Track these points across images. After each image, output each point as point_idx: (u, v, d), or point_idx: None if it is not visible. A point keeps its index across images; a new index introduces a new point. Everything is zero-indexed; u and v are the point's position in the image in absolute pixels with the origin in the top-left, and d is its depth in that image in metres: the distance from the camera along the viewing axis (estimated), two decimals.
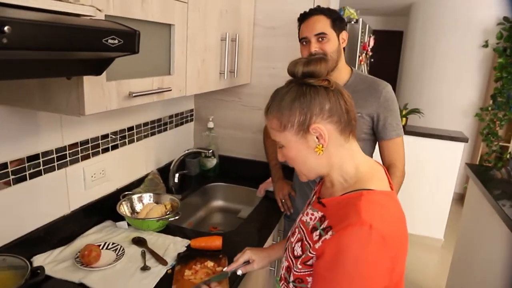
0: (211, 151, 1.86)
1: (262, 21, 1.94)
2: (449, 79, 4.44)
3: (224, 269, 1.20)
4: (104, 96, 1.00)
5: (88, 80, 0.93)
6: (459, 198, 4.33)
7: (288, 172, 1.79)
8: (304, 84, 0.84)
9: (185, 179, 1.98)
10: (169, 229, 1.50)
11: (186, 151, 1.88)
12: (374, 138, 1.59)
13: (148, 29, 1.14)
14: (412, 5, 4.92)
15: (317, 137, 0.83)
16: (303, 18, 1.55)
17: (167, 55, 1.27)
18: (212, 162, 2.11)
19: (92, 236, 1.40)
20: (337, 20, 1.51)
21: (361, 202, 0.78)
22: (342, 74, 1.57)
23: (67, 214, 1.38)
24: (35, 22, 0.58)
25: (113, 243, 1.34)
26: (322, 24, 1.49)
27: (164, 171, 1.87)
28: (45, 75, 0.78)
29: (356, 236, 0.74)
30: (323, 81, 0.84)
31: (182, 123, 2.08)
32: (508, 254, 1.68)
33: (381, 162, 1.64)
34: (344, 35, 1.55)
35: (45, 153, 1.25)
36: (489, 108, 4.09)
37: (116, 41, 0.74)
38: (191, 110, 2.16)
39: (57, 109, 0.98)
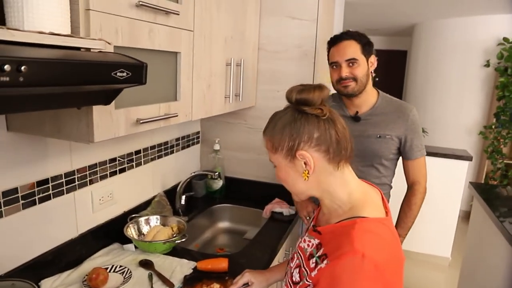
0: (218, 173, 1.88)
1: (266, 46, 1.99)
2: (453, 98, 4.47)
3: None
4: (113, 123, 1.03)
5: (97, 109, 0.97)
6: (466, 216, 4.28)
7: None
8: (298, 111, 0.86)
9: (191, 200, 2.00)
10: (176, 251, 1.52)
11: (193, 173, 1.91)
12: (398, 157, 1.69)
13: (155, 58, 1.19)
14: (415, 25, 5.00)
15: (304, 163, 0.85)
16: (334, 42, 1.60)
17: (174, 81, 1.31)
18: (218, 184, 2.13)
19: (99, 259, 1.42)
20: (367, 45, 1.57)
21: (354, 230, 0.78)
22: (370, 96, 1.64)
23: (75, 237, 1.40)
24: (48, 60, 0.61)
25: (120, 266, 1.35)
26: (353, 49, 1.54)
27: (170, 193, 1.89)
28: (56, 107, 0.82)
29: (349, 265, 0.75)
30: (315, 109, 0.85)
31: (188, 146, 2.11)
32: (508, 268, 1.67)
33: (405, 180, 1.71)
34: (372, 59, 1.61)
35: (55, 178, 1.29)
36: (493, 126, 4.10)
37: (124, 74, 0.78)
38: (198, 133, 2.20)
39: (67, 136, 1.02)
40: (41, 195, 1.24)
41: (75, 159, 1.36)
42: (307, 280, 0.83)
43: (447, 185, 3.25)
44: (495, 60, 4.13)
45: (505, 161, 4.12)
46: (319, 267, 0.80)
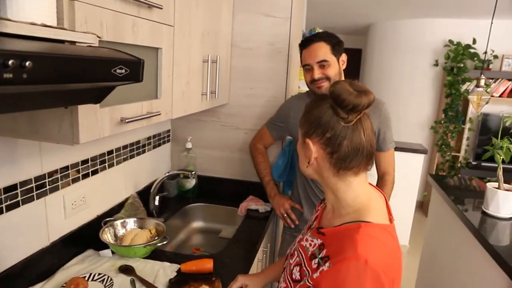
0: (193, 172, 1.84)
1: (240, 42, 1.97)
2: (406, 95, 4.72)
3: None
4: (97, 123, 0.97)
5: (83, 108, 0.90)
6: (419, 206, 4.56)
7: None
8: (331, 106, 0.85)
9: (164, 201, 1.94)
10: (154, 255, 1.46)
11: (167, 173, 1.85)
12: None
13: (137, 53, 1.11)
14: (370, 25, 5.20)
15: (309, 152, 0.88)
16: (305, 45, 1.63)
17: (154, 79, 1.26)
18: (191, 183, 2.08)
19: (74, 267, 1.33)
20: (337, 45, 1.60)
21: (359, 235, 0.79)
22: None
23: (46, 246, 1.29)
24: (53, 55, 0.56)
25: (99, 274, 1.28)
26: (323, 51, 1.57)
27: (143, 194, 1.82)
28: (46, 106, 0.75)
29: (351, 271, 0.75)
30: (344, 113, 0.83)
31: (159, 144, 2.04)
32: (471, 254, 1.80)
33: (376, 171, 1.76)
34: (343, 57, 1.64)
35: (24, 183, 1.18)
36: (442, 122, 4.38)
37: (123, 71, 0.73)
38: (168, 131, 2.13)
39: (47, 137, 0.94)
40: (8, 202, 1.13)
41: (45, 162, 1.26)
42: (308, 282, 0.83)
43: (405, 177, 3.42)
44: (443, 60, 4.42)
45: (452, 154, 4.42)
46: (321, 269, 0.80)
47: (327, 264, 0.79)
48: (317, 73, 1.58)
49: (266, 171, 1.90)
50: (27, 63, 0.51)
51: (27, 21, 0.63)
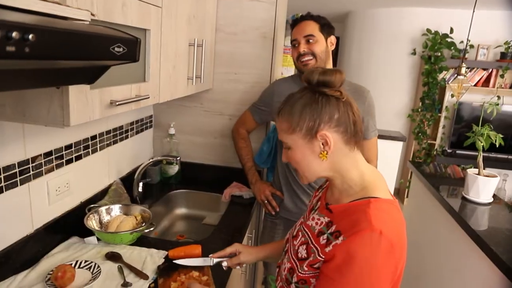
0: (178, 158, 1.81)
1: (224, 27, 1.94)
2: (384, 83, 4.79)
3: (210, 256, 1.20)
4: (88, 105, 0.94)
5: (73, 89, 0.87)
6: (396, 193, 4.68)
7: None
8: (318, 92, 0.87)
9: (146, 187, 1.91)
10: (139, 241, 1.44)
11: (152, 159, 1.82)
12: None
13: None
14: (348, 13, 5.22)
15: (322, 144, 0.87)
16: (294, 23, 1.66)
17: (143, 61, 1.22)
18: (174, 169, 2.06)
19: (59, 255, 1.30)
20: (325, 25, 1.63)
21: (370, 209, 0.81)
22: None
23: (30, 233, 1.25)
24: (57, 29, 0.53)
25: (85, 261, 1.25)
26: (311, 27, 1.61)
27: (126, 181, 1.79)
28: (38, 85, 0.71)
29: (367, 241, 0.77)
30: (335, 92, 0.87)
31: (142, 130, 2.00)
32: (451, 236, 1.88)
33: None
34: (332, 39, 1.67)
35: (7, 168, 1.13)
36: (419, 110, 4.49)
37: (121, 49, 0.71)
38: (150, 116, 2.09)
39: (35, 120, 0.90)
40: None
41: (29, 147, 1.21)
42: (319, 256, 0.85)
43: (384, 164, 3.49)
44: (420, 48, 4.51)
45: (428, 141, 4.56)
46: (334, 243, 0.82)
47: (340, 238, 0.81)
48: (303, 47, 1.61)
49: (248, 157, 1.90)
50: (30, 36, 0.48)
51: None
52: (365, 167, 0.92)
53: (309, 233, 0.94)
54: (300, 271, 0.90)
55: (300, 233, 0.99)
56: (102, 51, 0.65)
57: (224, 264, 1.20)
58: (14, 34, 0.45)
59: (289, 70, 2.41)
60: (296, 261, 0.93)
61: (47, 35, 0.51)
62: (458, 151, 4.49)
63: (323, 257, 0.84)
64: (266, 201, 1.83)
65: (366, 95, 1.69)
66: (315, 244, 0.89)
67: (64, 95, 0.86)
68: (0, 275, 1.13)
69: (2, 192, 1.13)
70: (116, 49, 0.68)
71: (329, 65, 1.68)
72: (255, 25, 1.92)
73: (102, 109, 1.00)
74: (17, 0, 0.57)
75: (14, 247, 1.19)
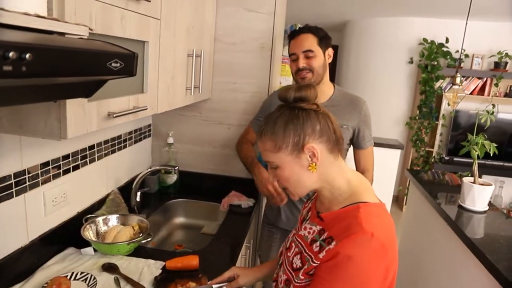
0: (176, 167, 1.81)
1: (223, 37, 1.95)
2: (382, 92, 4.82)
3: (209, 283, 1.19)
4: (85, 117, 0.94)
5: (71, 102, 0.87)
6: (394, 200, 4.69)
7: None
8: (296, 108, 0.90)
9: (145, 197, 1.90)
10: (136, 252, 1.43)
11: (150, 169, 1.81)
12: (349, 147, 1.77)
13: (125, 47, 1.10)
14: (347, 22, 5.26)
15: (310, 156, 0.89)
16: (293, 35, 1.65)
17: (141, 72, 1.23)
18: (173, 178, 2.05)
19: (54, 266, 1.29)
20: (324, 38, 1.63)
21: (360, 213, 0.84)
22: (326, 88, 1.71)
23: (25, 245, 1.24)
24: (53, 47, 0.54)
25: (81, 272, 1.25)
26: (310, 41, 1.60)
27: (124, 190, 1.78)
28: (36, 100, 0.72)
29: (359, 243, 0.79)
30: (312, 105, 0.91)
31: (140, 139, 2.00)
32: (448, 244, 1.87)
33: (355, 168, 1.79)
34: (330, 51, 1.68)
35: (3, 179, 1.13)
36: (416, 118, 4.51)
37: (118, 64, 0.71)
38: (149, 126, 2.09)
39: (32, 132, 0.91)
40: None
41: (25, 157, 1.21)
42: (313, 262, 0.87)
43: (383, 172, 3.50)
44: (417, 57, 4.55)
45: (426, 149, 4.58)
46: (327, 248, 0.84)
47: (333, 243, 0.83)
48: (302, 63, 1.61)
49: (252, 154, 1.78)
50: (27, 55, 0.49)
51: (20, 11, 0.61)
52: (350, 173, 0.95)
53: (302, 243, 0.95)
54: (296, 281, 0.90)
55: (293, 244, 1.00)
56: (99, 67, 0.65)
57: None
58: (11, 54, 0.46)
59: (287, 79, 2.42)
60: (291, 272, 0.94)
61: (44, 54, 0.51)
62: (455, 158, 4.50)
63: (317, 262, 0.85)
64: (273, 192, 1.54)
65: (362, 105, 1.71)
66: (309, 252, 0.90)
67: (61, 108, 0.86)
68: None
69: None
70: (113, 64, 0.69)
71: (326, 77, 1.69)
72: (254, 35, 1.94)
73: (100, 121, 1.00)
74: (16, 19, 0.58)
75: (8, 259, 1.17)
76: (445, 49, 4.37)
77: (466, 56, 4.41)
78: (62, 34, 0.73)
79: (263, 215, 1.98)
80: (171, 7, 1.34)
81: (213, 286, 1.18)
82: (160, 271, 1.32)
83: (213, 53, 1.96)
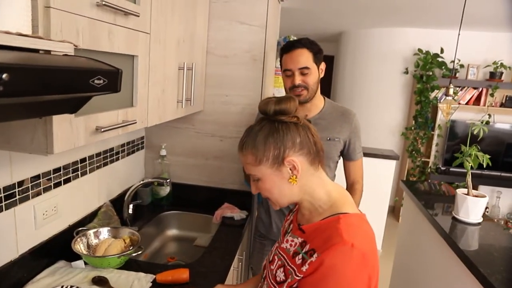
0: (168, 180, 1.82)
1: (215, 50, 1.97)
2: (378, 102, 4.85)
3: None
4: (72, 132, 0.95)
5: (57, 117, 0.88)
6: (391, 211, 4.67)
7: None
8: (276, 121, 0.91)
9: (137, 209, 1.91)
10: (127, 264, 1.43)
11: (142, 181, 1.82)
12: (339, 159, 1.77)
13: (113, 61, 1.09)
14: (342, 33, 5.31)
15: (290, 169, 0.90)
16: (287, 49, 1.63)
17: (130, 86, 1.24)
18: (166, 190, 2.06)
19: (44, 280, 1.29)
20: (318, 53, 1.63)
21: (340, 225, 0.85)
22: (318, 101, 1.72)
23: (14, 259, 1.24)
24: (31, 67, 0.55)
25: (71, 286, 1.24)
26: (305, 58, 1.59)
27: (116, 203, 1.78)
28: (20, 117, 0.73)
29: (339, 254, 0.80)
30: (292, 118, 0.91)
31: (133, 151, 2.01)
32: (442, 258, 1.87)
33: (344, 180, 1.79)
34: (322, 66, 1.68)
35: None
36: (412, 128, 4.52)
37: (101, 81, 0.72)
38: (142, 138, 2.10)
39: (19, 148, 0.91)
40: None
41: (15, 171, 1.21)
42: (296, 276, 0.87)
43: (378, 183, 3.51)
44: (413, 68, 4.58)
45: (422, 159, 4.58)
46: (309, 261, 0.84)
47: (314, 256, 0.83)
48: (298, 80, 1.60)
49: None
50: (3, 76, 0.50)
51: (2, 30, 0.62)
52: (331, 185, 0.96)
53: (284, 256, 0.95)
54: None
55: (276, 257, 1.00)
56: (81, 84, 0.66)
57: None
58: None
59: (281, 91, 2.44)
60: (275, 285, 0.94)
61: (22, 73, 0.53)
62: (452, 169, 4.50)
63: (301, 275, 0.85)
64: None
65: (352, 117, 1.72)
66: (291, 265, 0.90)
67: (47, 124, 0.87)
68: None
69: None
70: (96, 81, 0.70)
71: (318, 92, 1.69)
72: (246, 48, 1.96)
73: (87, 136, 1.01)
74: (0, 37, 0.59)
75: None
76: (440, 59, 4.40)
77: (462, 66, 4.43)
78: (48, 52, 0.75)
79: (254, 228, 1.98)
80: (160, 21, 1.36)
81: None
82: (151, 284, 1.32)
83: (205, 65, 1.98)
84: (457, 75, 4.46)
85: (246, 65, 1.97)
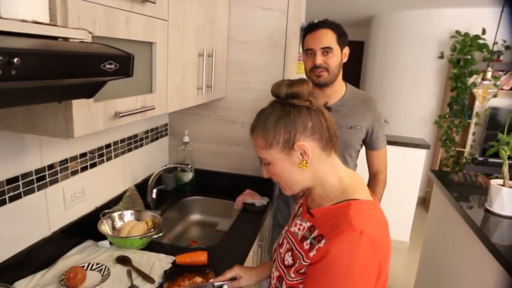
0: (190, 165, 1.86)
1: (236, 36, 1.98)
2: (409, 89, 4.68)
3: (211, 280, 1.22)
4: (92, 117, 1.00)
5: (77, 102, 0.93)
6: (421, 202, 4.55)
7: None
8: (288, 105, 0.90)
9: (161, 194, 1.97)
10: (150, 246, 1.49)
11: (164, 167, 1.88)
12: (361, 148, 1.74)
13: (131, 48, 1.13)
14: (373, 17, 5.16)
15: (301, 154, 0.88)
16: (311, 29, 1.60)
17: (149, 73, 1.28)
18: (188, 176, 2.11)
19: (73, 257, 1.37)
20: (342, 36, 1.59)
21: (350, 211, 0.83)
22: (339, 87, 1.68)
23: (47, 236, 1.34)
24: (42, 52, 0.58)
25: (97, 264, 1.32)
26: (329, 38, 1.56)
27: (141, 187, 1.85)
28: (39, 101, 0.77)
29: (348, 241, 0.79)
30: (305, 101, 0.90)
31: (157, 138, 2.07)
32: (472, 252, 1.80)
33: (367, 169, 1.76)
34: (346, 50, 1.63)
35: (25, 175, 1.22)
36: (446, 116, 4.34)
37: (113, 66, 0.75)
38: (166, 125, 2.16)
39: (43, 131, 0.97)
40: (11, 193, 1.17)
41: (45, 155, 1.29)
42: (304, 261, 0.87)
43: (406, 173, 3.42)
44: (449, 52, 4.34)
45: (457, 149, 4.39)
46: (317, 247, 0.83)
47: (323, 241, 0.83)
48: (319, 60, 1.56)
49: None
50: (15, 60, 0.53)
51: (18, 18, 0.66)
52: (344, 171, 0.94)
53: (293, 240, 0.96)
54: (288, 278, 0.91)
55: (285, 240, 1.00)
56: (93, 69, 0.70)
57: (225, 287, 1.22)
58: None
59: (305, 77, 2.42)
60: (283, 268, 0.94)
61: (32, 58, 0.56)
62: (490, 159, 4.29)
63: (308, 261, 0.85)
64: None
65: (375, 104, 1.68)
66: (299, 250, 0.90)
67: (68, 108, 0.92)
68: (20, 274, 1.22)
69: (21, 197, 1.22)
70: (108, 66, 0.73)
71: (340, 78, 1.66)
72: (267, 33, 1.95)
73: (107, 121, 1.06)
74: (14, 25, 0.63)
75: (33, 248, 1.27)
76: (481, 41, 4.09)
77: (507, 48, 4.08)
78: (66, 39, 0.79)
79: (273, 217, 2.00)
80: (179, 8, 1.38)
81: (214, 284, 1.20)
82: (170, 265, 1.37)
83: (226, 52, 1.99)
84: (500, 57, 4.12)
85: (267, 51, 1.97)
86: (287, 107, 0.89)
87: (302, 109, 0.88)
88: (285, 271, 0.93)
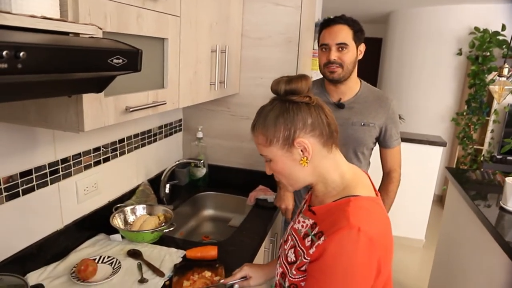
0: (202, 161, 1.87)
1: (250, 32, 1.97)
2: (427, 86, 4.60)
3: (221, 281, 1.22)
4: (102, 112, 1.01)
5: (87, 97, 0.94)
6: (438, 200, 4.47)
7: None
8: (287, 101, 0.89)
9: (175, 189, 1.98)
10: (162, 240, 1.51)
11: (177, 162, 1.89)
12: (375, 146, 1.72)
13: (143, 44, 1.15)
14: (390, 13, 5.07)
15: (301, 150, 0.88)
16: (327, 24, 1.59)
17: (161, 68, 1.28)
18: (202, 172, 2.12)
19: (86, 250, 1.40)
20: (359, 32, 1.57)
21: (349, 207, 0.82)
22: (353, 84, 1.67)
23: (60, 229, 1.36)
24: (48, 46, 0.59)
25: (108, 257, 1.34)
26: (345, 34, 1.54)
27: (154, 182, 1.87)
28: (48, 95, 0.78)
29: (345, 239, 0.78)
30: (304, 98, 0.88)
31: (171, 133, 2.09)
32: (486, 250, 1.76)
33: (381, 167, 1.75)
34: (362, 47, 1.61)
35: (38, 168, 1.24)
36: (464, 113, 4.25)
37: (120, 61, 0.76)
38: (180, 120, 2.17)
39: (54, 125, 0.99)
40: (24, 186, 1.20)
41: (59, 149, 1.31)
42: (305, 258, 0.87)
43: (422, 170, 3.36)
44: (467, 48, 4.26)
45: (475, 147, 4.30)
46: (316, 244, 0.83)
47: (322, 238, 0.82)
48: (334, 55, 1.55)
49: None
50: (21, 54, 0.54)
51: (28, 14, 0.67)
52: (345, 166, 0.93)
53: (296, 236, 0.95)
54: (290, 275, 0.91)
55: (289, 237, 1.00)
56: (100, 63, 0.70)
57: (236, 287, 1.22)
58: (4, 53, 0.51)
59: (319, 74, 2.39)
60: (286, 265, 0.94)
61: (38, 52, 0.57)
62: (509, 157, 4.19)
63: (308, 258, 0.85)
64: (283, 210, 1.78)
65: (390, 102, 1.65)
66: (301, 247, 0.90)
67: (78, 103, 0.93)
68: (33, 265, 1.24)
69: (34, 190, 1.24)
70: (115, 60, 0.73)
71: (354, 74, 1.63)
72: (280, 30, 1.94)
73: (117, 115, 1.06)
74: (23, 20, 0.64)
75: (46, 241, 1.30)
76: (500, 37, 4.00)
77: None
78: (77, 34, 0.80)
79: None
80: (191, 5, 1.38)
81: (226, 284, 1.20)
82: (181, 259, 1.38)
83: (240, 48, 1.99)
84: None
85: (281, 47, 1.95)
86: (286, 103, 0.88)
87: (302, 105, 0.87)
88: (288, 267, 0.93)
